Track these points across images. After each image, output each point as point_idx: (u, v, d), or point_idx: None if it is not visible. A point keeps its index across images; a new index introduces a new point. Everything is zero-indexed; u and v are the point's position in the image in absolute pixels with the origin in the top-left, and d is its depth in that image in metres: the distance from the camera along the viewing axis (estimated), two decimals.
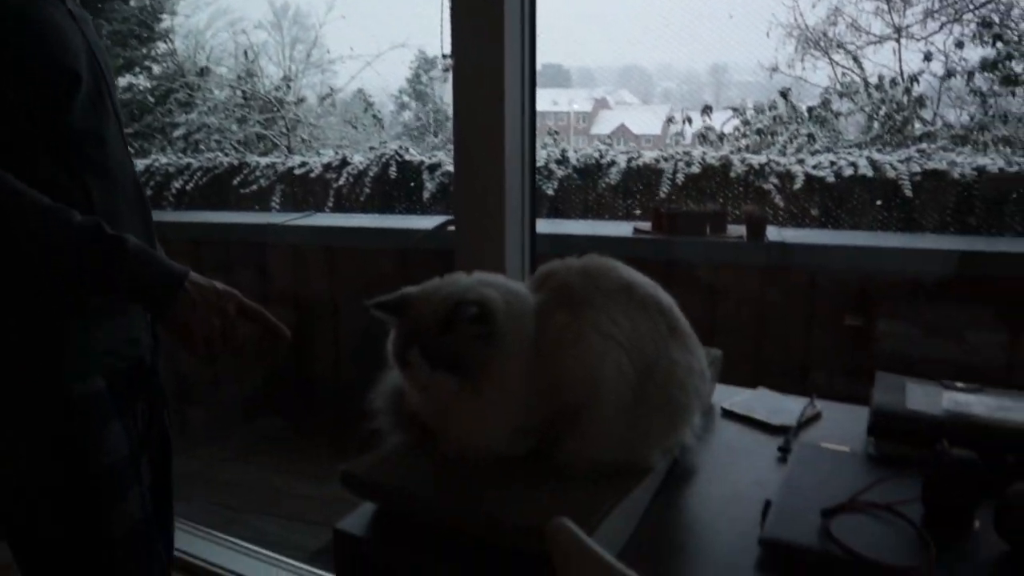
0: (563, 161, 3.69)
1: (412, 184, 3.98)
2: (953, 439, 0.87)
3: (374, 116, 5.48)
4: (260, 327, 1.08)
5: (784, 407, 1.19)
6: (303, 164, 4.28)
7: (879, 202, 3.13)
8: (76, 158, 1.01)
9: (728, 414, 1.19)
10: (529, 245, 1.60)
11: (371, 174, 4.04)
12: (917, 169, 3.11)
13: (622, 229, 3.15)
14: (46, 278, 0.98)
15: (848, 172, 3.17)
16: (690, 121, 4.54)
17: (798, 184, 3.19)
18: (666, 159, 3.55)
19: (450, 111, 1.65)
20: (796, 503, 0.87)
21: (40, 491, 1.03)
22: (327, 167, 4.18)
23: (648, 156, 3.65)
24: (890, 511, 0.85)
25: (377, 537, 0.88)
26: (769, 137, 4.44)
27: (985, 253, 2.61)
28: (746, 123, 4.55)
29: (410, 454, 0.93)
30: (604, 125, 5.60)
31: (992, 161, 3.06)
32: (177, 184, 4.33)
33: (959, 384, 1.10)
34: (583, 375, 0.88)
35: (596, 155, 3.71)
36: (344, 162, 4.16)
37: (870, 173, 3.15)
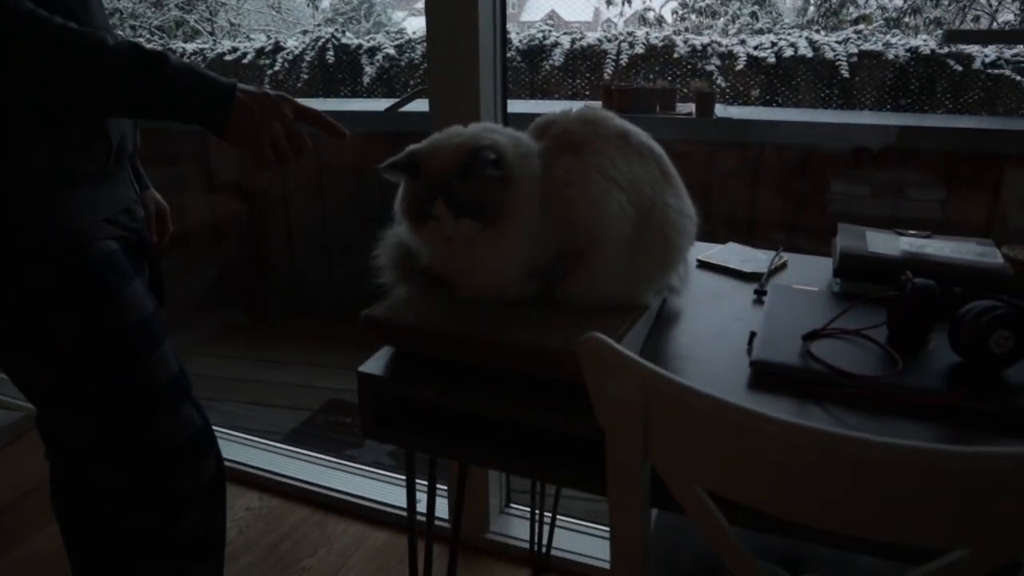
0: (506, 43, 3.63)
1: (352, 69, 3.85)
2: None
3: None
4: (318, 127, 1.04)
5: (754, 257, 1.28)
6: (234, 50, 4.07)
7: (818, 82, 3.22)
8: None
9: (703, 265, 1.27)
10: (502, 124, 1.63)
11: (307, 59, 3.89)
12: (854, 50, 3.20)
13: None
14: (90, 106, 0.95)
15: (788, 53, 3.25)
16: (629, 2, 4.49)
17: (740, 65, 3.25)
18: (609, 40, 3.55)
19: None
20: (778, 332, 0.97)
21: (90, 351, 1.04)
22: (260, 52, 3.99)
23: (592, 37, 3.63)
24: (860, 335, 0.96)
25: (398, 376, 0.94)
26: (710, 18, 4.45)
27: (920, 128, 2.74)
28: (685, 5, 4.54)
29: (424, 300, 0.99)
30: (534, 11, 5.48)
31: (924, 43, 3.17)
32: None
33: (911, 232, 1.21)
34: (589, 214, 0.93)
35: (540, 36, 3.66)
36: (278, 47, 3.98)
37: (809, 54, 3.23)
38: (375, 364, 0.96)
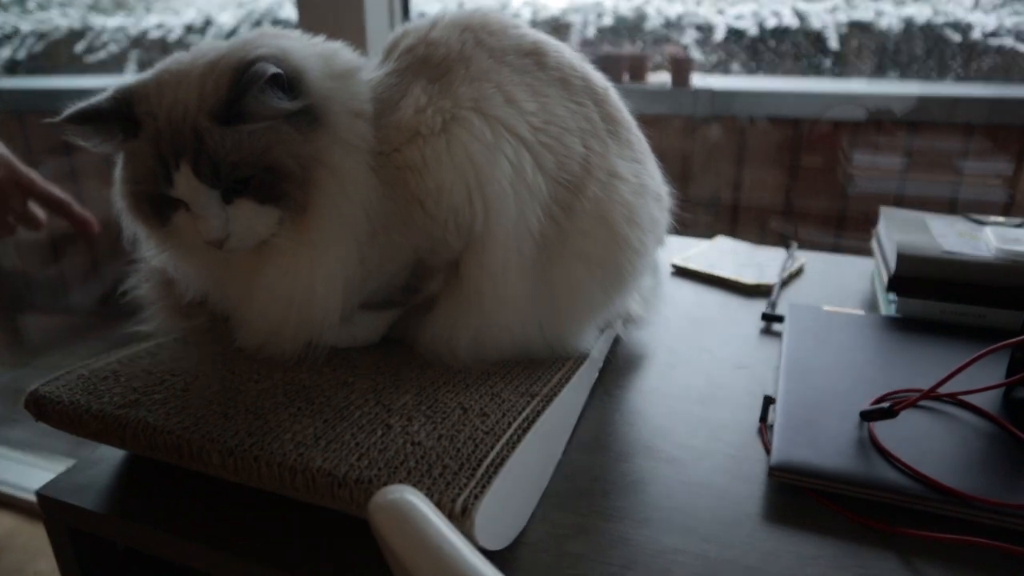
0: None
1: None
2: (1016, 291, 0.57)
3: None
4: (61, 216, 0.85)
5: (754, 260, 0.86)
6: (160, 26, 3.61)
7: (804, 54, 2.86)
8: None
9: (681, 272, 0.85)
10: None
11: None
12: (844, 19, 2.85)
13: None
14: None
15: (772, 23, 2.88)
16: None
17: (719, 36, 2.89)
18: (575, 10, 3.17)
19: None
20: (812, 399, 0.55)
21: None
22: (190, 29, 3.54)
23: (555, 7, 3.25)
24: (965, 406, 0.54)
25: (106, 502, 0.50)
26: None
27: (926, 97, 2.37)
28: None
29: (176, 357, 0.54)
30: None
31: (919, 12, 2.83)
32: (4, 53, 3.58)
33: (995, 218, 0.80)
34: (455, 192, 0.51)
35: (497, 7, 3.27)
36: (208, 23, 3.53)
37: (795, 24, 2.87)
38: (77, 475, 0.52)
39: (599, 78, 0.61)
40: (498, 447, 0.40)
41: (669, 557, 0.43)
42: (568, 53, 0.60)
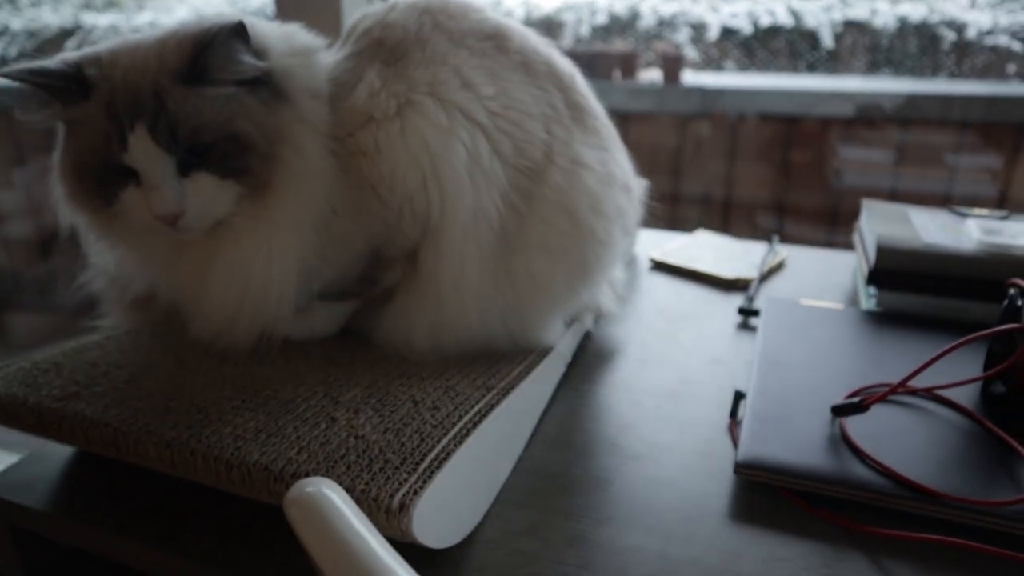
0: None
1: None
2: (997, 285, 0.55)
3: None
4: None
5: (735, 253, 0.84)
6: (152, 24, 3.60)
7: (799, 53, 2.85)
8: None
9: (660, 267, 0.83)
10: None
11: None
12: (839, 18, 2.85)
13: None
14: None
15: (766, 21, 2.88)
16: None
17: (713, 34, 2.88)
18: (569, 9, 3.16)
19: None
20: (783, 395, 0.53)
21: None
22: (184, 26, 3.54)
23: (549, 6, 3.24)
24: (941, 402, 0.52)
25: (52, 499, 0.48)
26: None
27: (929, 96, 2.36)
28: None
29: (119, 344, 0.52)
30: None
31: (914, 10, 2.82)
32: None
33: (978, 211, 0.78)
34: (409, 181, 0.49)
35: (490, 5, 3.26)
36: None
37: (790, 23, 2.86)
38: (21, 472, 0.50)
39: (565, 64, 0.59)
40: (444, 441, 0.39)
41: (627, 556, 0.41)
42: (533, 38, 0.58)
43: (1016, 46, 2.52)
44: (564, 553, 0.41)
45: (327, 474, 0.35)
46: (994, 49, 2.78)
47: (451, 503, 0.38)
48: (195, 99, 0.45)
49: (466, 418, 0.41)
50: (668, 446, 0.51)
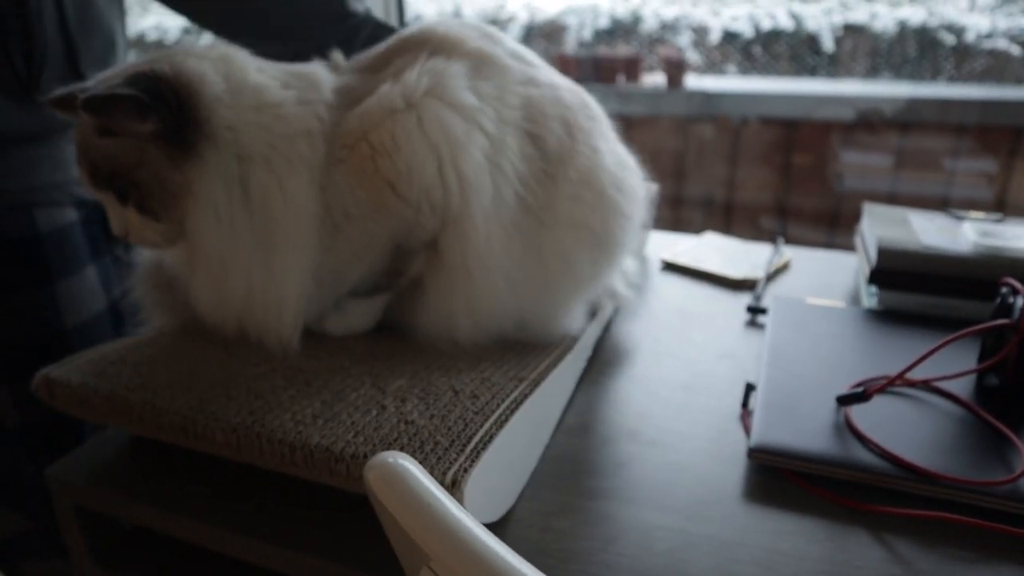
0: (457, 16, 3.27)
1: None
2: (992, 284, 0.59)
3: None
4: None
5: (742, 255, 0.88)
6: (156, 27, 3.63)
7: (800, 57, 2.88)
8: None
9: (670, 267, 0.87)
10: None
11: None
12: (839, 21, 2.88)
13: None
14: None
15: (767, 25, 2.91)
16: None
17: (714, 38, 2.91)
18: (572, 12, 3.19)
19: None
20: (791, 386, 0.57)
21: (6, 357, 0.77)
22: (187, 30, 3.56)
23: (551, 10, 3.27)
24: (938, 393, 0.56)
25: (118, 481, 0.52)
26: None
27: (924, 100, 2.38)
28: None
29: (172, 339, 0.56)
30: None
31: (913, 14, 2.85)
32: None
33: (975, 214, 0.82)
34: (426, 173, 0.52)
35: (493, 8, 3.28)
36: None
37: (790, 26, 2.89)
38: (85, 456, 0.54)
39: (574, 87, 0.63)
40: (487, 425, 0.43)
41: (651, 533, 0.45)
42: (530, 56, 0.61)
43: (1015, 50, 2.55)
44: (592, 530, 0.45)
45: None
46: (992, 53, 2.82)
47: (492, 483, 0.41)
48: (105, 147, 0.51)
49: (503, 405, 0.45)
50: (684, 433, 0.55)
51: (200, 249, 0.53)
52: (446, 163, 0.52)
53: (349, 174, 0.52)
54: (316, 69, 0.57)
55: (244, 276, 0.53)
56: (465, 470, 0.38)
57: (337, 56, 0.60)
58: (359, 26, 0.80)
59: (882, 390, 0.53)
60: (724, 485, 0.49)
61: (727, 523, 0.46)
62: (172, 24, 3.70)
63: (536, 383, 0.49)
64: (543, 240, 0.56)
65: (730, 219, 1.99)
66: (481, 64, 0.55)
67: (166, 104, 0.50)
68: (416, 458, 0.39)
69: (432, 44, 0.56)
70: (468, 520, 0.26)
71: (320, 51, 0.64)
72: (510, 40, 0.59)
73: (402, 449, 0.40)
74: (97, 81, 0.51)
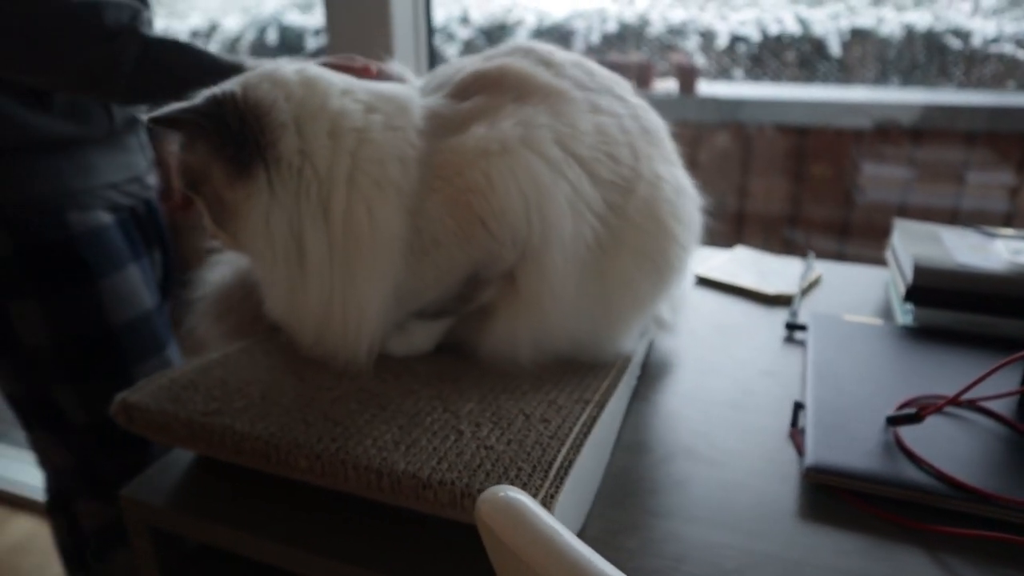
0: (466, 20, 3.28)
1: (295, 50, 3.46)
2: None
3: None
4: None
5: (774, 269, 0.90)
6: (166, 31, 3.65)
7: (808, 61, 2.89)
8: None
9: (705, 282, 0.89)
10: None
11: (246, 40, 3.49)
12: (846, 26, 2.89)
13: None
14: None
15: (775, 30, 2.92)
16: None
17: (722, 42, 2.92)
18: (579, 16, 3.21)
19: None
20: (839, 405, 0.59)
21: (60, 354, 0.84)
22: (195, 34, 3.58)
23: (559, 14, 3.29)
24: (986, 414, 0.58)
25: (189, 503, 0.53)
26: None
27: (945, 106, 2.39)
28: None
29: (243, 367, 0.58)
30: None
31: (920, 18, 2.86)
32: None
33: (1005, 231, 0.84)
34: (517, 214, 0.54)
35: (502, 13, 3.30)
36: (214, 28, 3.56)
37: (798, 31, 2.91)
38: (157, 478, 0.55)
39: (628, 88, 0.64)
40: (564, 451, 0.44)
41: (717, 552, 0.46)
42: (602, 70, 0.64)
43: (1022, 55, 2.56)
44: (662, 548, 0.47)
45: (471, 481, 0.41)
46: (1001, 58, 2.82)
47: (570, 505, 0.43)
48: (185, 157, 0.56)
49: (576, 430, 0.47)
50: (738, 452, 0.57)
51: (255, 265, 0.57)
52: (532, 207, 0.54)
53: (442, 204, 0.54)
54: (404, 92, 0.59)
55: (321, 293, 0.55)
56: (551, 496, 0.40)
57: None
58: (124, 44, 0.69)
59: (939, 410, 0.54)
60: (781, 504, 0.51)
61: (788, 542, 0.47)
62: (181, 28, 3.72)
63: (602, 405, 0.51)
64: (605, 267, 0.58)
65: (742, 226, 2.00)
66: (555, 102, 0.57)
67: (228, 128, 0.53)
68: (503, 484, 0.41)
69: (509, 83, 0.58)
70: (590, 553, 0.28)
71: (84, 80, 0.69)
72: (564, 56, 0.62)
73: (487, 476, 0.42)
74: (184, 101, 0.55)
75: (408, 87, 0.60)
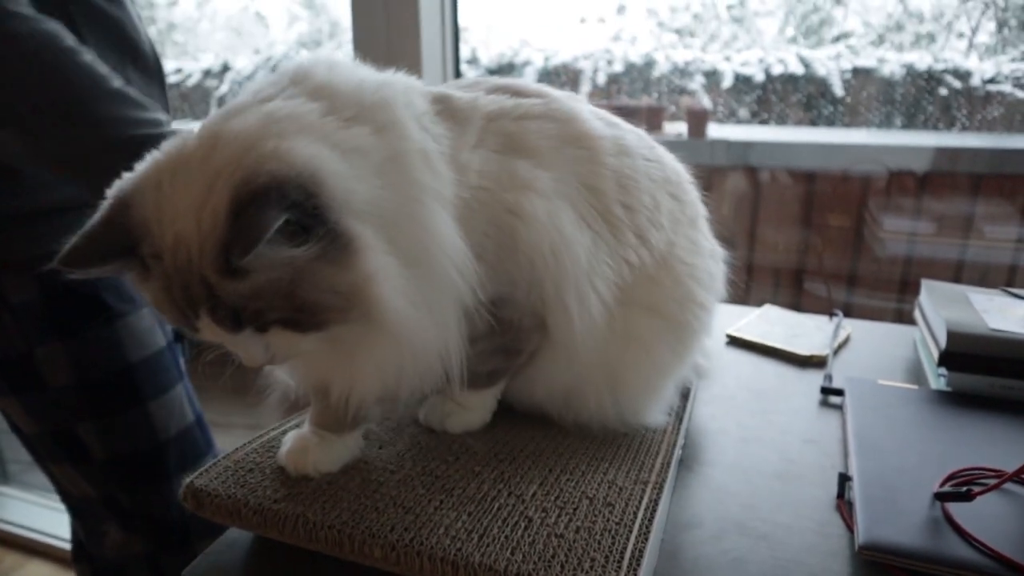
0: (474, 61, 3.34)
1: None
2: None
3: (257, 14, 4.87)
4: None
5: (804, 329, 0.92)
6: (178, 71, 3.71)
7: (811, 100, 2.94)
8: None
9: (736, 342, 0.90)
10: None
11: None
12: (847, 66, 2.93)
13: None
14: None
15: (778, 70, 2.97)
16: (603, 21, 4.22)
17: (727, 83, 2.97)
18: (586, 57, 3.26)
19: (344, 22, 1.32)
20: (886, 477, 0.60)
21: (82, 393, 0.87)
22: (207, 74, 3.63)
23: (566, 55, 3.35)
24: None
25: None
26: (689, 37, 4.17)
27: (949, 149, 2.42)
28: (661, 24, 4.26)
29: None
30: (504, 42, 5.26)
31: (919, 59, 2.90)
32: None
33: None
34: (535, 251, 0.54)
35: (510, 54, 3.36)
36: (226, 67, 3.63)
37: (800, 71, 2.96)
38: (215, 558, 0.56)
39: (647, 141, 0.66)
40: (632, 539, 0.46)
41: None
42: (636, 134, 0.66)
43: (1021, 94, 2.59)
44: None
45: (547, 573, 0.42)
46: (1001, 99, 2.86)
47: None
48: (246, 286, 0.42)
49: (640, 515, 0.48)
50: (788, 526, 0.58)
51: (383, 326, 0.47)
52: (547, 252, 0.54)
53: (480, 210, 0.53)
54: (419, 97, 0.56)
55: (424, 332, 0.49)
56: None
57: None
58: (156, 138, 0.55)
59: (990, 491, 0.55)
60: None
61: None
62: (194, 67, 3.78)
63: (660, 487, 0.53)
64: (615, 317, 0.59)
65: (752, 277, 2.00)
66: (584, 145, 0.59)
67: (302, 211, 0.42)
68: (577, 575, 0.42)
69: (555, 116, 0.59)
70: None
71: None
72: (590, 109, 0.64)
73: (562, 567, 0.43)
74: (169, 201, 0.44)
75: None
